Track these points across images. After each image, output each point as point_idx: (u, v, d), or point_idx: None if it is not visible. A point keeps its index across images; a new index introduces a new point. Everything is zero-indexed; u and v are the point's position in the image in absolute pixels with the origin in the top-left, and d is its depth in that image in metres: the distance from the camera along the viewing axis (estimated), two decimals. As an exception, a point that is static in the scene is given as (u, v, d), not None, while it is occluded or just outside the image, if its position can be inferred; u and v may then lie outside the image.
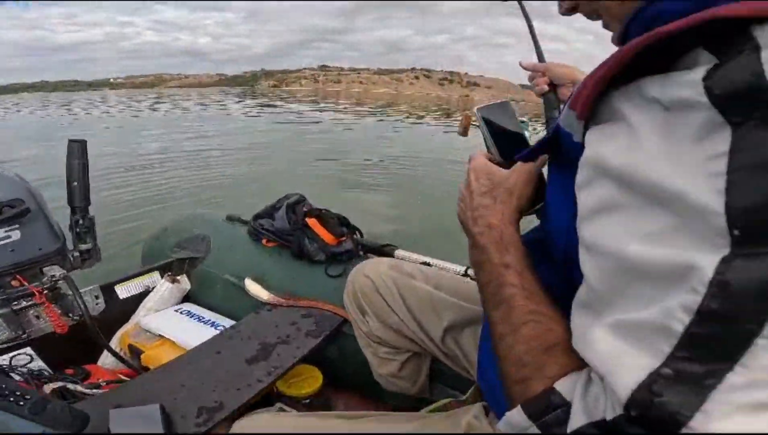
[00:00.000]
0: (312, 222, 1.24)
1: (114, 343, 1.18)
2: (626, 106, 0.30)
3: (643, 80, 0.29)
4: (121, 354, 1.10)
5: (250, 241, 1.35)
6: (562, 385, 0.33)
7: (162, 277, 1.34)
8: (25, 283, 0.99)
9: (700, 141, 0.25)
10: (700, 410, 0.24)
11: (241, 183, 4.70)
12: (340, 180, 4.95)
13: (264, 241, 1.32)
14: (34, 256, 1.00)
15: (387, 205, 4.01)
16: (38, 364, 1.02)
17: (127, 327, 1.22)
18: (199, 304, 1.32)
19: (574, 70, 0.81)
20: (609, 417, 0.28)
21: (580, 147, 0.34)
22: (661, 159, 0.26)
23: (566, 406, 0.32)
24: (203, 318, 1.22)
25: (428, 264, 1.17)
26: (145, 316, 1.23)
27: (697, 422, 0.24)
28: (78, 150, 1.04)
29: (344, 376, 1.08)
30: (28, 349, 1.03)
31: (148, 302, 1.27)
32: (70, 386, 0.93)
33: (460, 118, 0.87)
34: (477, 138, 0.62)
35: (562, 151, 0.40)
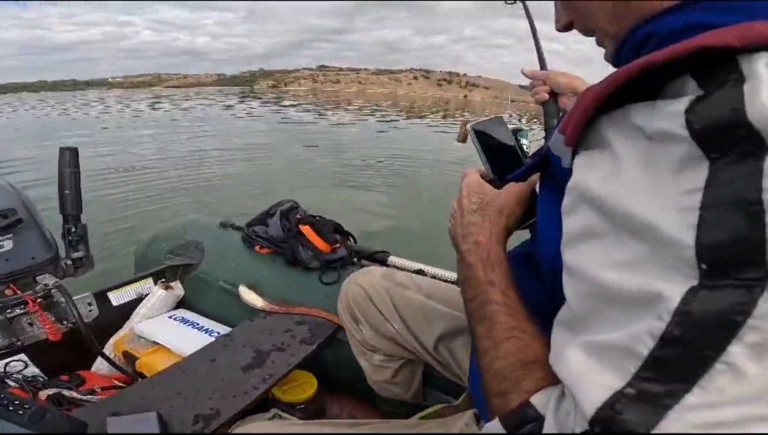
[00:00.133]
0: (306, 229, 1.24)
1: (108, 349, 1.18)
2: (612, 134, 0.30)
3: (631, 107, 0.29)
4: (116, 360, 1.10)
5: (244, 248, 1.36)
6: (537, 399, 0.35)
7: (155, 283, 1.34)
8: (19, 292, 0.99)
9: (678, 174, 0.26)
10: (655, 428, 0.25)
11: (237, 184, 4.69)
12: (337, 180, 4.95)
13: (258, 247, 1.33)
14: (27, 265, 1.01)
15: (384, 205, 4.02)
16: (32, 370, 1.02)
17: (121, 333, 1.23)
18: (193, 311, 1.32)
19: (575, 79, 0.81)
20: (577, 431, 0.29)
21: (568, 172, 0.35)
22: (641, 190, 0.27)
23: (540, 419, 0.33)
24: (197, 324, 1.23)
25: (422, 271, 1.18)
26: (139, 323, 1.23)
27: None
28: (69, 157, 1.04)
29: (339, 381, 1.09)
30: (23, 356, 1.03)
31: (141, 309, 1.27)
32: (66, 392, 0.93)
33: (459, 120, 0.88)
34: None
35: (552, 173, 0.41)
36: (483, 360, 0.41)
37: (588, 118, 0.32)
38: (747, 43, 0.25)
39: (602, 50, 0.39)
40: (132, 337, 1.19)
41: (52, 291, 1.01)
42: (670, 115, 0.26)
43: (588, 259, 0.30)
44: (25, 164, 5.27)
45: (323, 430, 0.66)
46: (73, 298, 1.03)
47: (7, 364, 0.99)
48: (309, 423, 0.69)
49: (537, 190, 0.50)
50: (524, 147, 0.64)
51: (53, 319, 1.03)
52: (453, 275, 1.13)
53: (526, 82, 0.87)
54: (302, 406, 1.01)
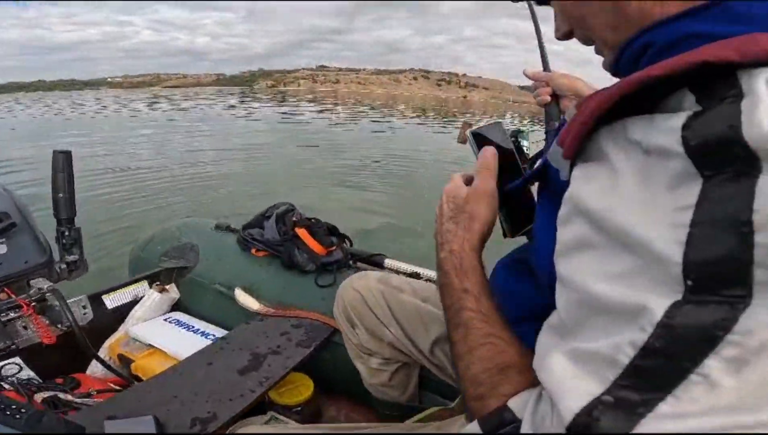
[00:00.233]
0: (301, 232, 1.24)
1: (103, 352, 1.18)
2: (610, 146, 0.31)
3: (629, 120, 0.29)
4: (111, 363, 1.10)
5: (240, 251, 1.36)
6: (514, 403, 0.36)
7: (150, 286, 1.34)
8: (13, 296, 0.99)
9: (672, 190, 0.26)
10: None
11: (235, 184, 4.67)
12: (335, 180, 4.95)
13: (253, 250, 1.33)
14: (20, 268, 1.00)
15: (381, 205, 4.02)
16: (27, 373, 1.01)
17: (116, 336, 1.22)
18: (188, 313, 1.32)
19: (577, 81, 0.80)
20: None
21: (566, 183, 0.35)
22: (636, 205, 0.27)
23: (517, 423, 0.34)
24: (193, 327, 1.22)
25: (417, 274, 1.18)
26: (134, 326, 1.23)
27: None
28: (63, 161, 1.03)
29: (335, 384, 1.09)
30: (17, 359, 1.03)
31: (136, 312, 1.26)
32: (61, 395, 0.93)
33: (460, 122, 0.88)
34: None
35: (550, 183, 0.41)
36: (459, 365, 0.42)
37: (586, 132, 0.32)
38: (747, 58, 0.25)
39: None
40: (127, 340, 1.19)
41: (47, 294, 1.01)
42: (667, 130, 0.26)
43: (580, 270, 0.31)
44: (22, 164, 5.24)
45: (320, 432, 0.66)
46: (68, 301, 1.02)
47: (1, 368, 0.99)
48: (306, 426, 0.69)
49: (535, 198, 0.50)
50: (525, 149, 0.64)
51: (47, 322, 1.02)
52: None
53: (526, 82, 0.86)
54: (299, 408, 1.01)
